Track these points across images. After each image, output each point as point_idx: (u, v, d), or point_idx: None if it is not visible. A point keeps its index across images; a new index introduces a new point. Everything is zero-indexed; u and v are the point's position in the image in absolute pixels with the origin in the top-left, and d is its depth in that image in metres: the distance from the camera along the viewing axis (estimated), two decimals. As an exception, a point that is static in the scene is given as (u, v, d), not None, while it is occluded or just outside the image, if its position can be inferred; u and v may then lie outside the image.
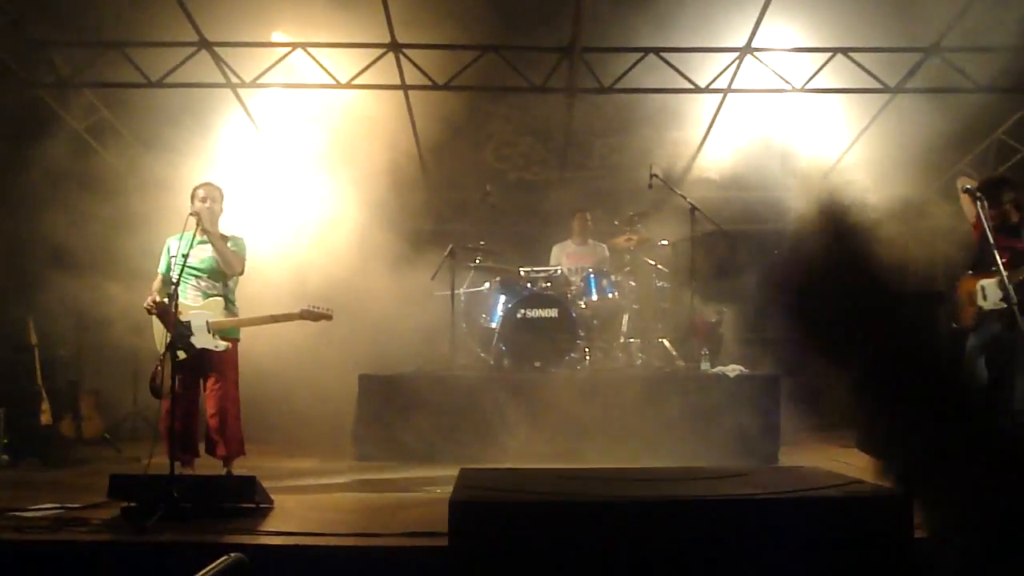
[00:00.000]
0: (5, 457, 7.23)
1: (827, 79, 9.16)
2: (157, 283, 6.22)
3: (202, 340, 6.06)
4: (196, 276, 6.18)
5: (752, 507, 3.95)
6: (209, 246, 6.21)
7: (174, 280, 5.68)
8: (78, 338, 8.73)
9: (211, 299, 6.17)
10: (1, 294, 8.45)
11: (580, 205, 9.67)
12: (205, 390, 6.21)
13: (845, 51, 8.91)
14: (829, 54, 8.97)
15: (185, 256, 5.90)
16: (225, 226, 6.44)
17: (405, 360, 8.55)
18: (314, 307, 6.26)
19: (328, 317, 6.33)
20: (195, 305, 6.11)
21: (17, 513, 5.12)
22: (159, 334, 6.10)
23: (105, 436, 8.56)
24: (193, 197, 6.29)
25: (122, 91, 9.28)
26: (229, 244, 6.32)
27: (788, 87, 9.23)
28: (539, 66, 9.16)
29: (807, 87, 9.23)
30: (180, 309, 5.80)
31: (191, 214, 6.07)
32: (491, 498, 3.80)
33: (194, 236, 6.01)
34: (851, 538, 3.88)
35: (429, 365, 8.56)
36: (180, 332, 5.86)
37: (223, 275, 6.26)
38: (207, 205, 6.23)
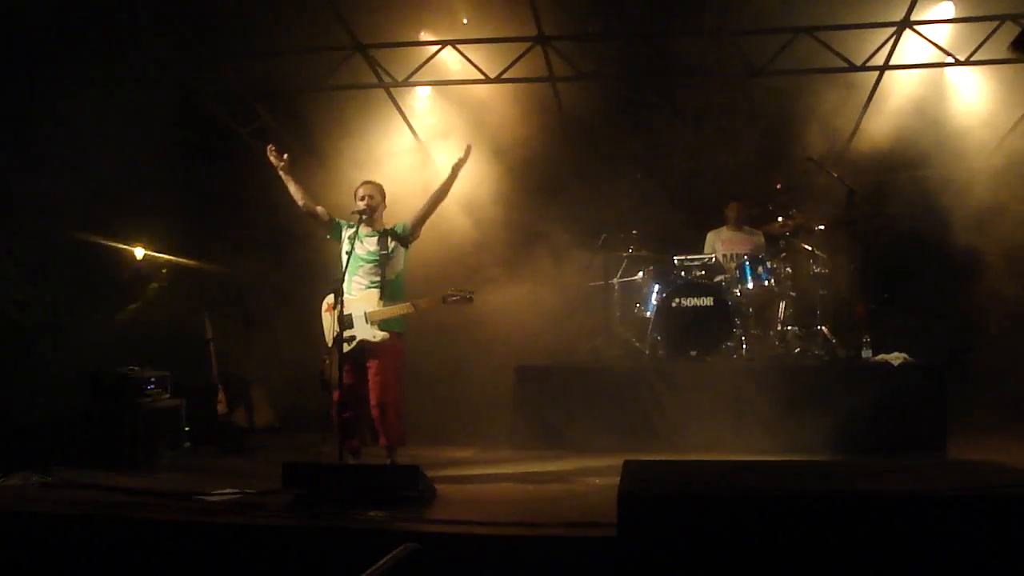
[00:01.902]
0: (188, 444, 7.67)
1: (994, 49, 8.58)
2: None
3: (361, 331, 6.23)
4: (361, 268, 6.37)
5: (927, 504, 3.78)
6: (374, 238, 6.41)
7: (341, 274, 5.90)
8: (248, 332, 9.15)
9: (369, 290, 6.34)
10: (182, 292, 8.99)
11: (734, 193, 9.46)
12: (368, 381, 6.38)
13: (1015, 18, 8.30)
14: (996, 22, 8.39)
15: (348, 253, 6.17)
16: (388, 222, 6.63)
17: (560, 350, 8.59)
18: (455, 292, 6.33)
19: (469, 300, 6.35)
20: (355, 297, 6.30)
21: (202, 497, 5.45)
22: (328, 327, 6.34)
23: (275, 426, 9.00)
24: (355, 197, 6.50)
25: (284, 98, 9.69)
26: (393, 235, 6.48)
27: (951, 60, 8.74)
28: (687, 51, 9.01)
29: (972, 59, 8.70)
30: (344, 302, 6.02)
31: (354, 212, 6.29)
32: (662, 491, 3.78)
33: (357, 229, 6.24)
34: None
35: (584, 355, 8.58)
36: (343, 324, 6.08)
37: (384, 268, 6.41)
38: (366, 203, 6.43)
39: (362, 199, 6.45)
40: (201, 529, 4.78)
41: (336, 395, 5.98)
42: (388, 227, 6.51)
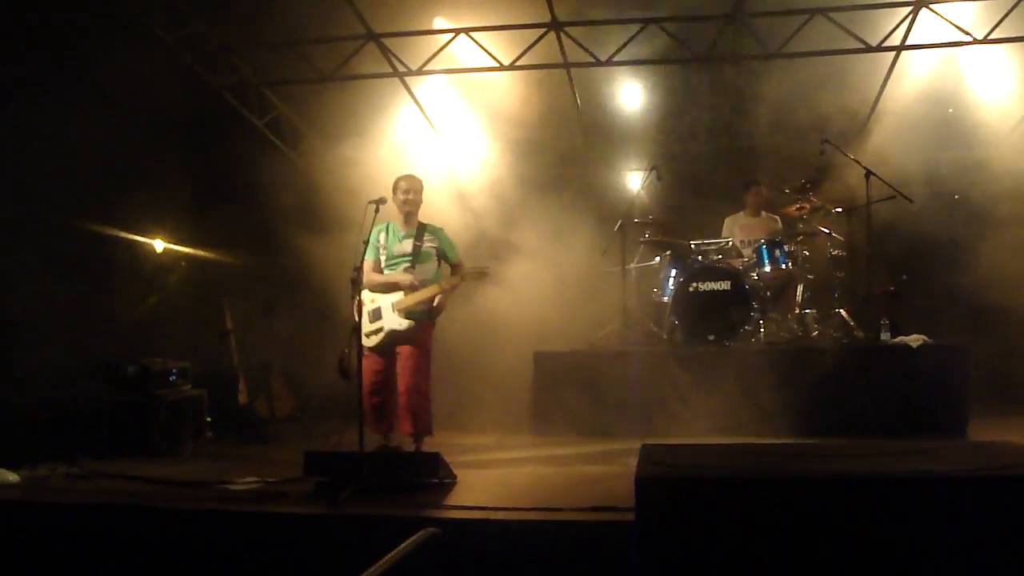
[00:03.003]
0: (210, 434, 7.75)
1: (1012, 28, 8.45)
2: (369, 266, 6.42)
3: (390, 322, 6.30)
4: (398, 265, 6.43)
5: (943, 485, 3.77)
6: (412, 238, 6.46)
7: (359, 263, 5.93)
8: (267, 322, 9.20)
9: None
10: (200, 283, 9.05)
11: (752, 178, 9.40)
12: (397, 370, 6.42)
13: (1034, -6, 8.19)
14: (1015, 0, 8.27)
15: (385, 249, 6.26)
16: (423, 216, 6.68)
17: (579, 337, 8.59)
18: (472, 269, 6.46)
19: (485, 274, 6.49)
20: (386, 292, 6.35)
21: (225, 485, 5.51)
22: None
23: (296, 415, 9.05)
24: (395, 189, 6.49)
25: (298, 88, 9.73)
26: (429, 234, 6.54)
27: (968, 39, 8.63)
28: (702, 35, 8.96)
29: (990, 38, 8.59)
30: (373, 297, 6.07)
31: (371, 202, 6.16)
32: (679, 474, 3.79)
33: (389, 226, 6.35)
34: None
35: (602, 341, 8.58)
36: (374, 317, 6.14)
37: (420, 262, 6.47)
38: (410, 197, 6.45)
39: (406, 192, 6.46)
40: (224, 517, 4.85)
41: (365, 382, 5.97)
42: (424, 223, 6.56)
